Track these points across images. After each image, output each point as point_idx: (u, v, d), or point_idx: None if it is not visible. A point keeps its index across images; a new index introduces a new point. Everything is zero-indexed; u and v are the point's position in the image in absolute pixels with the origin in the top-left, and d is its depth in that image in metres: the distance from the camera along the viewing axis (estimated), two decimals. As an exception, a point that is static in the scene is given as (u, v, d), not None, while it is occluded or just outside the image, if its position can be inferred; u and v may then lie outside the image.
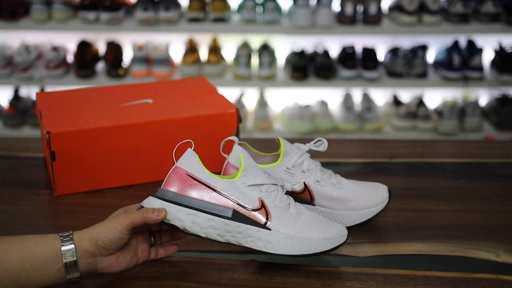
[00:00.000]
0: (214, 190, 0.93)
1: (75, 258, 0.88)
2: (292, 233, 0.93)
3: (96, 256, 0.90)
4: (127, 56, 3.15)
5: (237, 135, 1.28)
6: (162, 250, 0.98)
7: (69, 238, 0.88)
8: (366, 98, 3.19)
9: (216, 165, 1.09)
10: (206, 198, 0.93)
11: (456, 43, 3.14)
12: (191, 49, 3.08)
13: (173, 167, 0.95)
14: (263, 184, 0.95)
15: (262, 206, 0.94)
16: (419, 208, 1.19)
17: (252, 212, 0.93)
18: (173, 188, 0.93)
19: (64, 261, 0.87)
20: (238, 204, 0.93)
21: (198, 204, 0.92)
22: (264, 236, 0.93)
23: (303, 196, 1.07)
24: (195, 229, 0.93)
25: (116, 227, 0.89)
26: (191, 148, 0.96)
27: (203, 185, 0.93)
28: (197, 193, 0.93)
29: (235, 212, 0.93)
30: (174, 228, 0.93)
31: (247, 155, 0.97)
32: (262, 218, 0.93)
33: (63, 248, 0.87)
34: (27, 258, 0.86)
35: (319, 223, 0.96)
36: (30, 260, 0.86)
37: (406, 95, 3.26)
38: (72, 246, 0.88)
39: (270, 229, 0.93)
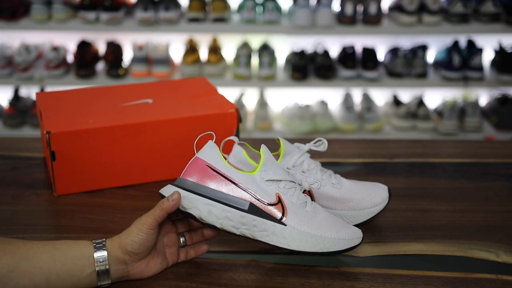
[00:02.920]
0: (233, 183, 0.94)
1: (107, 266, 0.88)
2: (307, 230, 0.94)
3: (127, 264, 0.90)
4: (127, 56, 3.15)
5: (237, 135, 1.28)
6: (192, 250, 0.98)
7: (102, 245, 0.89)
8: (366, 98, 3.19)
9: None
10: (224, 190, 0.94)
11: (456, 43, 3.14)
12: (191, 49, 3.08)
13: (193, 157, 0.96)
14: (281, 180, 0.96)
15: (279, 202, 0.94)
16: (419, 208, 1.19)
17: (268, 206, 0.94)
18: (192, 178, 0.94)
19: (97, 267, 0.87)
20: (255, 198, 0.94)
21: (216, 195, 0.94)
22: (278, 231, 0.94)
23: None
24: (211, 219, 0.93)
25: (141, 228, 0.89)
26: (212, 140, 0.98)
27: (222, 176, 0.94)
28: (215, 184, 0.94)
29: (251, 205, 0.94)
30: (190, 217, 0.94)
31: (267, 151, 0.98)
32: (278, 213, 0.94)
33: (95, 254, 0.88)
34: (58, 258, 0.87)
35: (335, 223, 0.97)
36: (61, 260, 0.86)
37: (406, 95, 3.26)
38: (105, 252, 0.88)
39: (285, 225, 0.94)
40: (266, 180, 0.95)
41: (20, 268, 0.85)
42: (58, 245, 0.88)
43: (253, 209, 0.94)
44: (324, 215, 0.97)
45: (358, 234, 0.97)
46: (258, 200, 0.94)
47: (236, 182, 0.94)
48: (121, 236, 0.90)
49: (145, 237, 0.89)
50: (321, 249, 0.94)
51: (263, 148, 0.98)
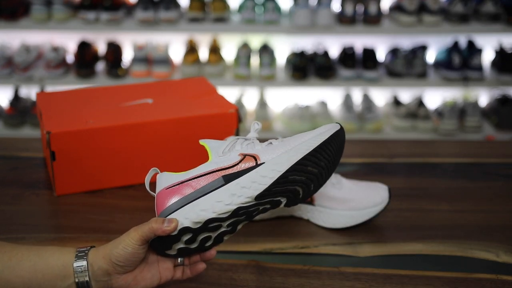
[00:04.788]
0: (195, 178, 0.89)
1: (86, 278, 0.84)
2: (285, 149, 0.90)
3: (111, 275, 0.85)
4: (127, 56, 3.15)
5: (237, 135, 1.28)
6: (188, 270, 0.91)
7: (83, 254, 0.85)
8: (366, 98, 3.19)
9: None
10: (193, 189, 0.88)
11: (456, 43, 3.14)
12: (191, 49, 3.08)
13: (155, 197, 0.90)
14: (234, 145, 0.92)
15: (245, 156, 0.90)
16: (419, 208, 1.19)
17: (239, 165, 0.89)
18: (164, 206, 0.88)
19: (76, 279, 0.83)
20: (223, 169, 0.89)
21: (192, 197, 0.88)
22: (263, 171, 0.89)
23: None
24: (203, 216, 0.87)
25: (128, 242, 0.84)
26: (156, 172, 0.92)
27: (182, 184, 0.89)
28: (183, 193, 0.88)
29: (225, 177, 0.89)
30: (185, 232, 0.87)
31: (207, 141, 0.94)
32: (251, 163, 0.89)
33: (75, 264, 0.84)
34: (40, 267, 0.84)
35: (303, 134, 0.93)
36: (42, 270, 0.84)
37: (406, 95, 3.26)
38: (85, 263, 0.84)
39: (264, 162, 0.89)
40: (222, 154, 0.91)
41: (2, 277, 0.83)
42: (42, 253, 0.85)
43: (230, 177, 0.89)
44: (289, 137, 0.93)
45: (323, 128, 0.93)
46: (226, 168, 0.89)
47: (197, 175, 0.89)
48: (107, 246, 0.85)
49: (131, 251, 0.84)
50: (303, 153, 0.90)
51: (205, 142, 0.94)
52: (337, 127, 0.93)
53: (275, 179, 0.88)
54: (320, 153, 0.90)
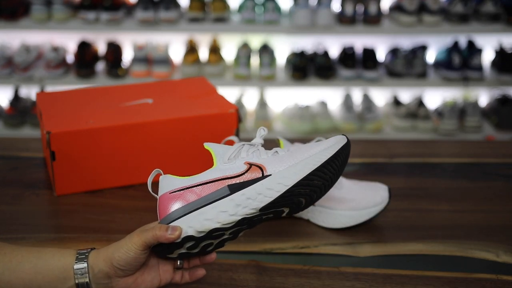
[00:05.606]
0: (199, 185, 0.88)
1: (87, 280, 0.83)
2: (291, 163, 0.89)
3: (111, 277, 0.84)
4: (127, 56, 3.15)
5: (237, 135, 1.28)
6: (187, 274, 0.90)
7: (84, 256, 0.84)
8: (366, 98, 3.19)
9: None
10: (197, 196, 0.87)
11: (456, 43, 3.14)
12: (191, 49, 3.08)
13: (157, 200, 0.89)
14: (240, 151, 0.90)
15: (251, 165, 0.89)
16: (419, 208, 1.19)
17: (245, 174, 0.88)
18: (167, 211, 0.87)
19: (76, 281, 0.83)
20: (228, 178, 0.88)
21: (196, 204, 0.87)
22: (270, 184, 0.87)
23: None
24: (208, 225, 0.86)
25: (130, 247, 0.83)
26: (159, 172, 0.91)
27: (186, 190, 0.88)
28: (186, 199, 0.87)
29: (230, 186, 0.87)
30: (188, 240, 0.86)
31: (212, 145, 0.93)
32: (257, 173, 0.88)
33: (75, 266, 0.84)
34: (40, 269, 0.84)
35: (312, 146, 0.92)
36: (42, 272, 0.84)
37: (406, 95, 3.26)
38: (85, 265, 0.84)
39: (270, 175, 0.88)
40: (227, 161, 0.89)
41: (2, 278, 0.83)
42: (42, 255, 0.85)
43: (235, 187, 0.87)
44: (297, 148, 0.92)
45: (331, 142, 0.92)
46: (232, 177, 0.88)
47: (202, 182, 0.88)
48: (109, 249, 0.85)
49: (133, 256, 0.83)
50: (310, 169, 0.88)
51: (209, 146, 0.92)
52: (344, 141, 0.92)
53: (281, 193, 0.87)
54: (326, 168, 0.89)
